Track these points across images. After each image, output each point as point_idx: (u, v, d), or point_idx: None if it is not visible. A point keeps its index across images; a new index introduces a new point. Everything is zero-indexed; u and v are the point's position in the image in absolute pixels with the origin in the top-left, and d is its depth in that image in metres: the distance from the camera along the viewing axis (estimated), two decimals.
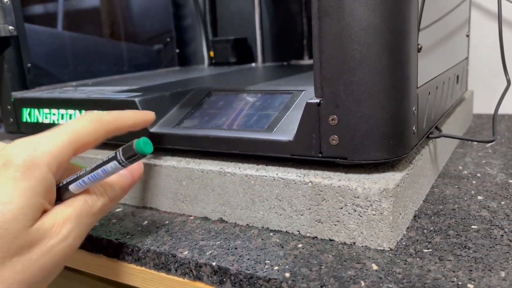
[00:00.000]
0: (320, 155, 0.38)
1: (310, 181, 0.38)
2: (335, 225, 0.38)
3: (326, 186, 0.38)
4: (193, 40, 0.99)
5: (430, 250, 0.36)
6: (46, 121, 0.57)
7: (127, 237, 0.42)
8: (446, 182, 0.51)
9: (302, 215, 0.39)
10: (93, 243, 0.44)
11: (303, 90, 0.46)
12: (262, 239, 0.40)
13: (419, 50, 0.38)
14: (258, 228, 0.42)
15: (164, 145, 0.47)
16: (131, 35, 0.93)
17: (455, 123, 0.63)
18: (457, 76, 0.62)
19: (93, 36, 0.88)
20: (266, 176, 0.40)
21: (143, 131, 0.48)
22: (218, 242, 0.40)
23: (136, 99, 0.48)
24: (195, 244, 0.40)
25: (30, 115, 0.59)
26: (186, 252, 0.38)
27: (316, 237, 0.39)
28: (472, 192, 0.47)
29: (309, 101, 0.38)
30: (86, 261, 0.45)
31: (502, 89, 0.81)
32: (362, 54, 0.35)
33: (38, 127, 0.58)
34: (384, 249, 0.36)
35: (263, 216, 0.42)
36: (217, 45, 0.91)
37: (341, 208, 0.37)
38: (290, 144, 0.39)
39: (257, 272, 0.34)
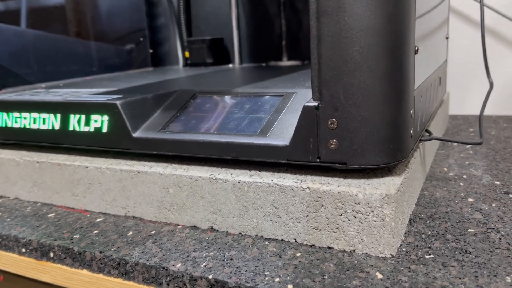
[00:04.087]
0: (318, 160, 0.37)
1: (308, 187, 0.37)
2: (334, 232, 0.37)
3: (324, 192, 0.36)
4: (167, 40, 0.96)
5: (431, 256, 0.35)
6: (16, 125, 0.53)
7: (112, 249, 0.40)
8: (435, 184, 0.50)
9: (299, 222, 0.38)
10: (74, 256, 0.41)
11: (294, 92, 0.45)
12: (258, 249, 0.38)
13: (416, 51, 0.38)
14: (251, 236, 0.40)
15: (149, 151, 0.45)
16: (101, 34, 0.89)
17: (436, 125, 0.63)
18: (440, 78, 0.62)
19: (60, 35, 0.84)
20: (260, 183, 0.39)
21: (126, 137, 0.45)
22: (212, 253, 0.38)
23: (118, 102, 0.45)
24: (187, 256, 0.38)
25: None
26: (179, 265, 0.36)
27: (313, 245, 0.38)
28: (462, 194, 0.47)
29: (306, 104, 0.36)
30: (67, 276, 0.41)
31: (476, 90, 0.82)
32: (363, 56, 0.34)
33: (7, 132, 0.54)
34: (385, 256, 0.35)
35: (257, 224, 0.40)
36: (192, 45, 0.89)
37: (341, 215, 0.36)
38: (286, 149, 0.38)
39: (257, 285, 0.33)
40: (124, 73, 0.86)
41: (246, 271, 0.35)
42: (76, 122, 0.48)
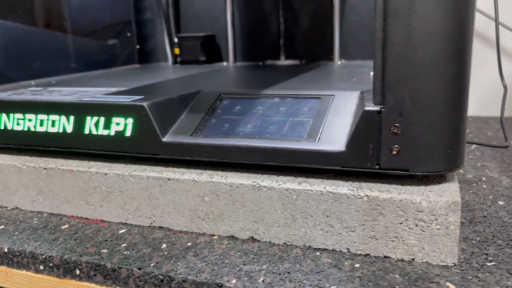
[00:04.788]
0: (377, 167, 0.35)
1: (366, 195, 0.35)
2: (392, 241, 0.36)
3: (385, 200, 0.35)
4: (153, 35, 0.92)
5: (493, 263, 0.35)
6: (18, 128, 0.48)
7: (151, 264, 0.37)
8: (460, 187, 0.51)
9: (354, 231, 0.37)
10: (106, 273, 0.37)
11: (332, 95, 0.43)
12: (312, 260, 0.36)
13: None
14: (299, 246, 0.39)
15: (181, 156, 0.42)
16: (85, 28, 0.84)
17: None
18: None
19: (37, 28, 0.77)
20: (311, 190, 0.37)
21: (154, 141, 0.42)
22: (265, 266, 0.36)
23: (145, 104, 0.42)
24: (239, 270, 0.35)
25: None
26: (234, 281, 0.34)
27: (368, 254, 0.37)
28: (490, 197, 0.48)
29: (367, 108, 0.35)
30: None
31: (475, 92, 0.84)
32: (432, 60, 0.32)
33: (6, 135, 0.49)
34: (447, 265, 0.35)
35: (305, 234, 0.38)
36: (184, 42, 0.85)
37: (401, 223, 0.35)
38: (341, 155, 0.36)
39: None
40: (113, 70, 0.81)
41: (310, 285, 0.33)
42: (93, 125, 0.44)
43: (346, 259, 0.36)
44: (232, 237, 0.41)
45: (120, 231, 0.43)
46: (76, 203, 0.46)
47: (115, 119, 0.43)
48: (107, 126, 0.44)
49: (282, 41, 0.82)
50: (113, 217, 0.45)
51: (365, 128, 0.35)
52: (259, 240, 0.40)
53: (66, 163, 0.47)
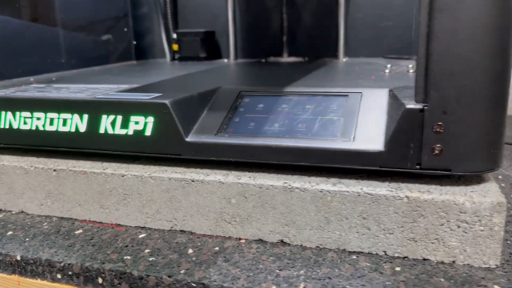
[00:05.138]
0: (418, 167, 0.34)
1: (406, 196, 0.34)
2: (432, 243, 0.35)
3: (426, 201, 0.34)
4: (149, 31, 0.89)
5: None
6: (25, 127, 0.45)
7: (181, 271, 0.35)
8: None
9: (392, 233, 0.35)
10: (132, 282, 0.35)
11: (360, 92, 0.42)
12: (350, 264, 0.35)
13: None
14: (332, 250, 0.37)
15: (205, 157, 0.40)
16: (81, 23, 0.80)
17: None
18: None
19: (32, 23, 0.74)
20: (347, 192, 0.36)
21: (177, 141, 0.40)
22: (302, 271, 0.34)
23: (167, 101, 0.40)
24: (276, 276, 0.34)
25: None
26: (274, 287, 0.32)
27: (406, 257, 0.36)
28: None
29: (409, 106, 0.33)
30: None
31: None
32: (479, 55, 0.31)
33: (11, 135, 0.46)
34: (490, 267, 0.34)
35: (340, 237, 0.37)
36: (183, 38, 0.83)
37: (442, 225, 0.34)
38: (380, 155, 0.35)
39: None
40: (111, 66, 0.78)
41: None
42: (109, 124, 0.42)
43: (385, 262, 0.35)
44: (260, 241, 0.39)
45: (140, 236, 0.41)
46: (89, 207, 0.44)
47: (134, 118, 0.41)
48: (125, 125, 0.41)
49: (286, 37, 0.80)
50: (130, 221, 0.43)
51: (406, 127, 0.34)
52: (289, 244, 0.38)
53: (78, 164, 0.44)
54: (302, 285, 0.32)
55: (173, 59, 0.87)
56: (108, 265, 0.36)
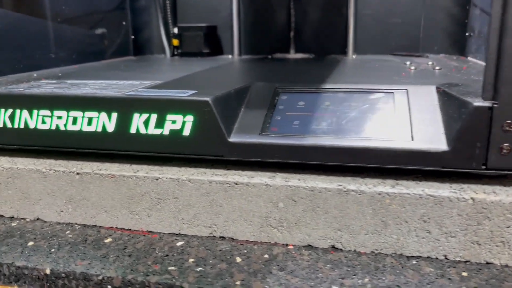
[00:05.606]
0: (484, 167, 0.33)
1: (471, 198, 0.33)
2: (497, 246, 0.33)
3: (492, 203, 0.32)
4: (147, 25, 0.85)
5: None
6: (44, 126, 0.41)
7: (237, 283, 0.32)
8: None
9: (454, 237, 0.34)
10: None
11: (405, 89, 0.40)
12: (413, 270, 0.33)
13: None
14: (389, 255, 0.35)
15: (251, 158, 0.37)
16: (76, 16, 0.76)
17: None
18: None
19: (31, 17, 0.69)
20: (408, 194, 0.34)
21: (219, 141, 0.37)
22: (367, 279, 0.32)
23: (209, 99, 0.37)
24: (341, 285, 0.31)
25: (12, 118, 0.42)
26: None
27: (469, 261, 0.34)
28: None
29: (477, 104, 0.32)
30: None
31: None
32: None
33: (27, 136, 0.42)
34: None
35: (397, 241, 0.35)
36: (186, 33, 0.79)
37: (508, 227, 0.33)
38: (444, 155, 0.33)
39: None
40: (110, 62, 0.74)
41: None
42: (142, 123, 0.39)
43: (448, 267, 0.33)
44: (310, 247, 0.37)
45: (178, 243, 0.38)
46: (117, 213, 0.40)
47: (170, 117, 0.38)
48: (160, 124, 0.38)
49: (293, 33, 0.78)
50: (163, 227, 0.40)
51: (474, 125, 0.32)
52: (342, 249, 0.36)
53: (104, 166, 0.41)
54: None
55: (173, 54, 0.83)
56: (154, 277, 0.33)
